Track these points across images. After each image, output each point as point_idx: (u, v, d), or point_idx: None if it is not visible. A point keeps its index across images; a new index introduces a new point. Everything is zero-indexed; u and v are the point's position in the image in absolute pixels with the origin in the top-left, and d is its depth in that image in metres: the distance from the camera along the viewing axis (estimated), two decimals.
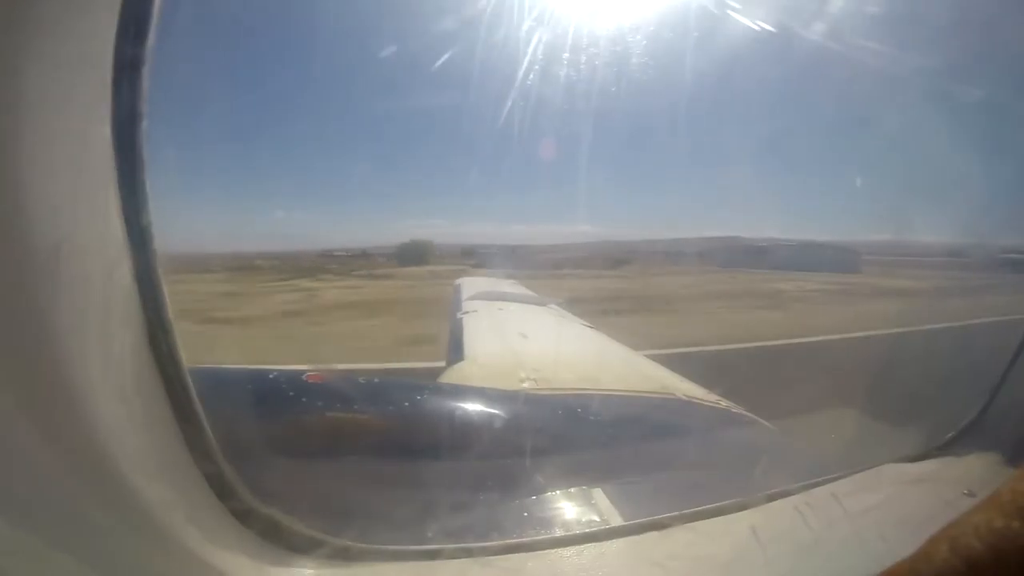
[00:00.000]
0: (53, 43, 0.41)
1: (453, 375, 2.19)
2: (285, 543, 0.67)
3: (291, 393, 1.27)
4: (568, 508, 1.06)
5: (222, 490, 0.61)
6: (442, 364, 2.57)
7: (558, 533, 0.94)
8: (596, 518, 1.00)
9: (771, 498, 0.87)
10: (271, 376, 1.37)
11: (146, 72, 0.48)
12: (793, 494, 0.88)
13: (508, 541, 0.79)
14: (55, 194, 0.43)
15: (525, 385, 1.82)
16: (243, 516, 0.64)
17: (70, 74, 0.44)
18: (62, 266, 0.43)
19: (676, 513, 0.82)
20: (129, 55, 0.47)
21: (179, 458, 0.57)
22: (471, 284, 4.96)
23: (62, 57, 0.42)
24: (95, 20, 0.44)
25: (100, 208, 0.47)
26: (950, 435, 1.05)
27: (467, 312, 3.37)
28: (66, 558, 0.47)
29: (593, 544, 0.77)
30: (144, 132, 0.49)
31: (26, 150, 0.40)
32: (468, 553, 0.75)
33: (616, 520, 0.97)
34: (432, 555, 0.74)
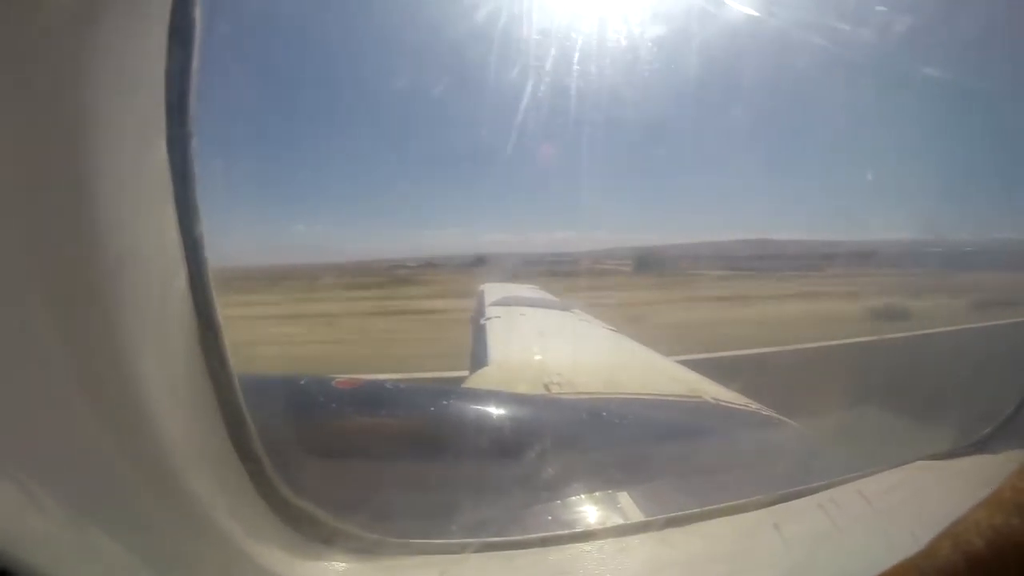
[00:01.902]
0: (112, 66, 0.45)
1: (478, 380, 2.21)
2: (320, 537, 0.70)
3: (323, 398, 1.32)
4: (593, 511, 1.06)
5: (262, 486, 0.65)
6: (464, 373, 2.59)
7: (582, 530, 0.95)
8: (620, 520, 1.01)
9: (794, 495, 0.87)
10: (304, 382, 1.42)
11: (194, 93, 0.52)
12: (818, 491, 0.87)
13: (531, 536, 0.80)
14: (120, 207, 0.47)
15: (549, 389, 1.83)
16: (281, 511, 0.67)
17: (128, 96, 0.48)
18: (126, 273, 0.47)
19: (698, 510, 0.82)
20: (178, 76, 0.51)
21: (224, 453, 0.60)
22: (494, 290, 4.99)
23: (120, 80, 0.47)
24: (147, 42, 0.49)
25: (158, 221, 0.52)
26: (986, 431, 1.02)
27: (490, 318, 3.40)
28: (110, 541, 0.50)
29: (615, 540, 0.78)
30: (194, 150, 0.53)
31: (94, 166, 0.45)
32: (491, 547, 0.77)
33: (639, 520, 0.97)
34: (457, 549, 0.77)
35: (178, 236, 0.54)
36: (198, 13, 0.51)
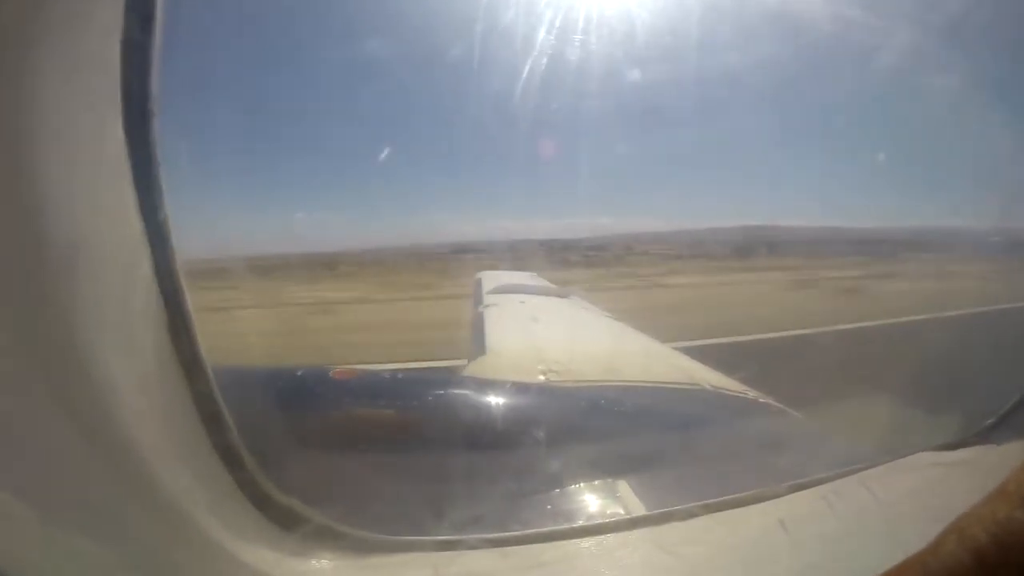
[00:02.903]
0: (63, 44, 0.42)
1: (475, 369, 2.20)
2: (305, 534, 0.68)
3: (318, 389, 1.30)
4: (592, 500, 1.05)
5: (243, 481, 0.63)
6: (463, 362, 2.58)
7: (580, 524, 0.93)
8: (620, 510, 0.99)
9: (797, 487, 0.85)
10: (299, 373, 1.40)
11: (155, 70, 0.49)
12: (821, 483, 0.85)
13: (528, 531, 0.78)
14: (73, 191, 0.44)
15: (548, 377, 1.82)
16: (264, 507, 0.65)
17: (82, 74, 0.45)
18: (81, 261, 0.44)
19: (698, 503, 0.80)
20: (136, 53, 0.48)
21: (201, 449, 0.58)
22: (492, 278, 4.97)
23: (72, 57, 0.43)
24: (101, 19, 0.45)
25: (117, 205, 0.49)
26: (990, 422, 1.00)
27: (488, 306, 3.38)
28: (90, 546, 0.48)
29: (614, 534, 0.76)
30: (156, 130, 0.50)
31: (43, 148, 0.41)
32: (487, 543, 0.75)
33: (640, 512, 0.95)
34: (450, 545, 0.75)
35: (140, 222, 0.51)
36: None
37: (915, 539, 0.41)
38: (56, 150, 0.42)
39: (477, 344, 2.63)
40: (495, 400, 1.41)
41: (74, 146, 0.44)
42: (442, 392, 1.45)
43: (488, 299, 3.63)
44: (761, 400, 1.79)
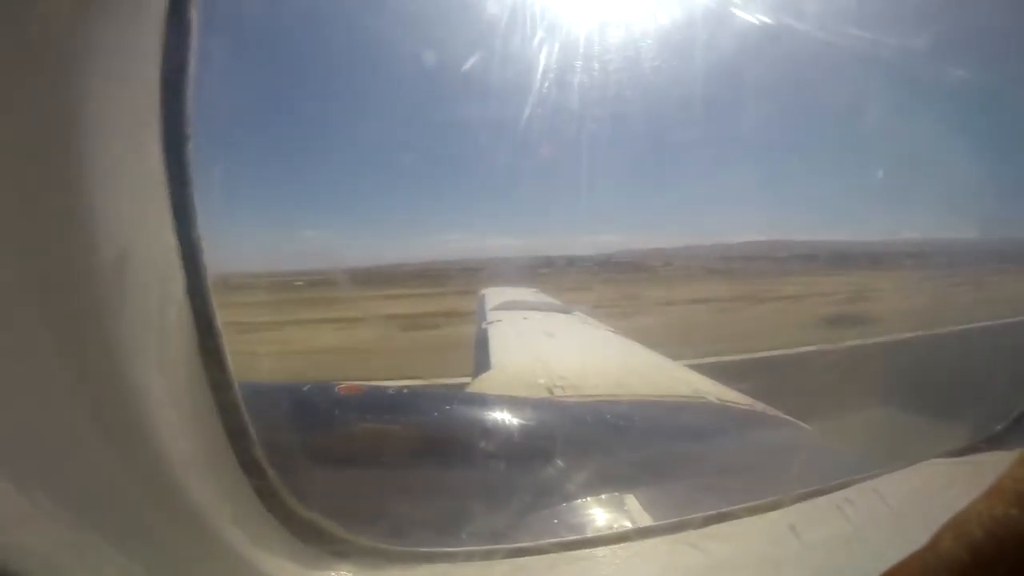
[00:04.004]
0: (106, 65, 0.44)
1: (481, 385, 2.20)
2: (325, 546, 0.68)
3: (326, 405, 1.31)
4: (600, 514, 1.05)
5: (266, 494, 0.64)
6: (467, 379, 2.58)
7: (593, 535, 0.93)
8: (628, 524, 0.99)
9: (809, 496, 0.85)
10: (307, 389, 1.41)
11: (190, 94, 0.52)
12: (832, 491, 0.86)
13: (541, 542, 0.79)
14: (116, 207, 0.46)
15: (554, 392, 1.82)
16: (286, 521, 0.66)
17: (124, 94, 0.47)
18: (122, 277, 0.46)
19: (712, 512, 0.81)
20: (173, 77, 0.50)
21: (227, 463, 0.59)
22: (495, 294, 4.98)
23: (114, 80, 0.46)
24: (142, 43, 0.48)
25: (155, 222, 0.51)
26: (999, 427, 1.01)
27: (492, 322, 3.39)
28: (117, 553, 0.49)
29: (627, 543, 0.77)
30: (191, 151, 0.52)
31: (89, 165, 0.44)
32: (499, 555, 0.75)
33: (650, 523, 0.96)
34: (464, 557, 0.75)
35: (175, 240, 0.53)
36: (195, 11, 0.50)
37: (923, 541, 0.42)
38: (99, 167, 0.45)
39: (482, 360, 2.64)
40: (502, 415, 1.42)
41: (117, 163, 0.47)
42: (450, 408, 1.46)
43: (492, 315, 3.64)
44: (769, 412, 1.78)
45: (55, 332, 0.44)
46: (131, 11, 0.46)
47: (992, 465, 0.92)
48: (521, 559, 0.75)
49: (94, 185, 0.44)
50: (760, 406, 1.84)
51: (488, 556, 0.75)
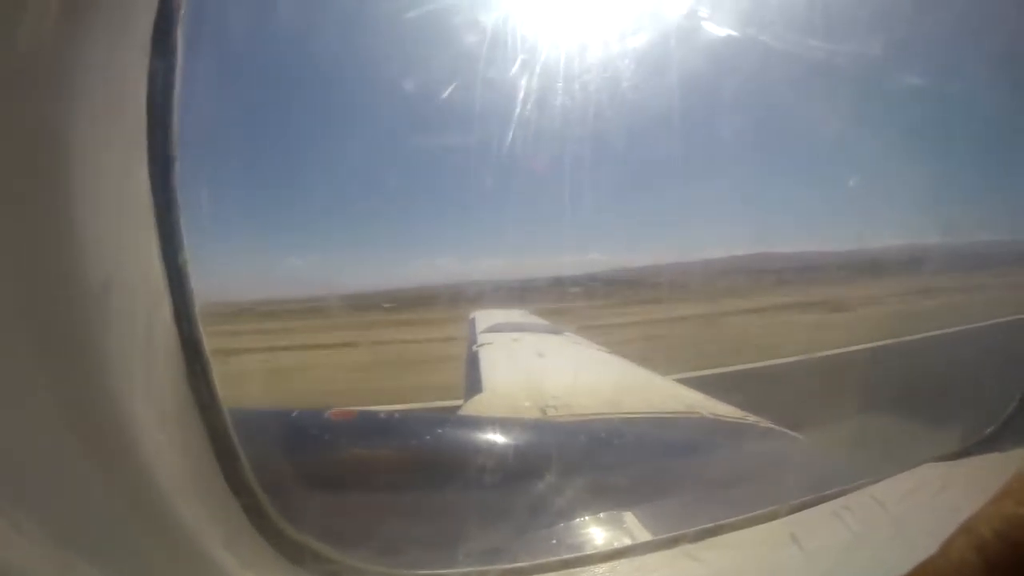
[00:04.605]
0: (93, 88, 0.44)
1: (473, 407, 2.18)
2: (317, 568, 0.67)
3: (316, 431, 1.29)
4: (598, 533, 1.04)
5: (258, 518, 0.62)
6: (459, 403, 2.56)
7: (592, 552, 0.92)
8: (628, 541, 0.98)
9: (807, 504, 0.85)
10: (296, 415, 1.39)
11: (175, 117, 0.52)
12: (830, 499, 0.86)
13: (539, 560, 0.77)
14: (101, 232, 0.45)
15: (545, 413, 1.81)
16: (278, 544, 0.64)
17: (111, 120, 0.47)
18: (109, 300, 0.46)
19: (711, 524, 0.80)
20: (159, 100, 0.50)
21: (217, 487, 0.58)
22: (485, 316, 4.98)
23: (101, 102, 0.46)
24: (127, 65, 0.48)
25: (142, 247, 0.51)
26: (990, 430, 1.02)
27: (483, 345, 3.38)
28: None
29: (627, 559, 0.76)
30: (177, 175, 0.52)
31: (75, 189, 0.43)
32: (496, 574, 0.74)
33: (649, 538, 0.94)
34: None
35: (161, 265, 0.52)
36: (180, 34, 0.51)
37: (927, 547, 0.42)
38: (84, 191, 0.44)
39: (473, 383, 2.62)
40: (492, 437, 1.41)
41: (101, 188, 0.46)
42: (442, 432, 1.44)
43: (482, 338, 3.63)
44: (762, 425, 1.79)
45: (40, 356, 0.43)
46: (117, 34, 0.46)
47: (986, 467, 0.93)
48: None
49: (80, 209, 0.44)
50: (752, 419, 1.85)
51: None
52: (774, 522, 0.81)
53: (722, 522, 0.81)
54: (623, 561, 0.76)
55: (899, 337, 7.91)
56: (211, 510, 0.56)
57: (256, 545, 0.62)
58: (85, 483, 0.46)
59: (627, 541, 0.97)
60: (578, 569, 0.74)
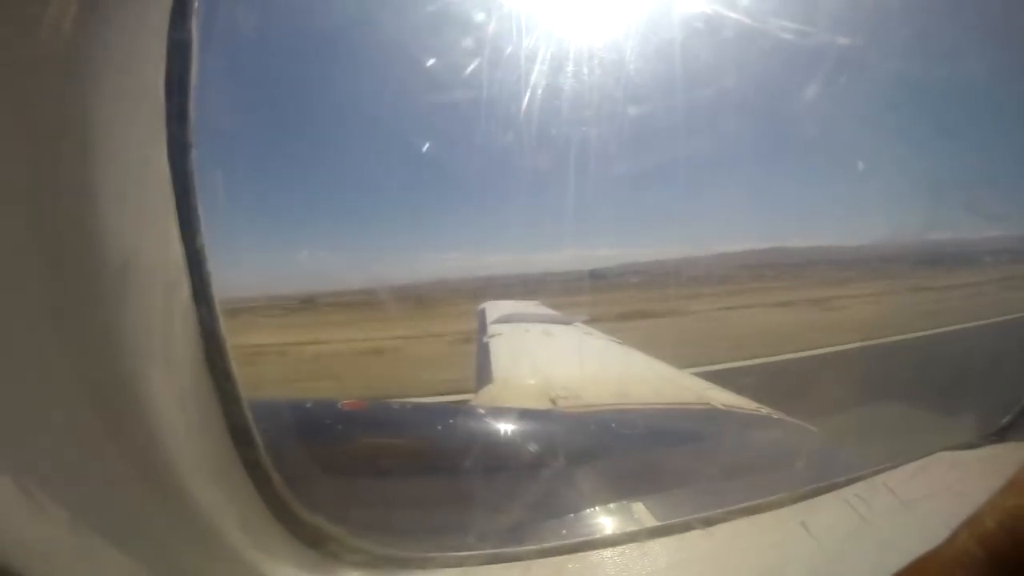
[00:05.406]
0: (114, 75, 0.46)
1: (483, 398, 2.20)
2: (333, 552, 0.68)
3: (329, 421, 1.31)
4: (608, 522, 1.04)
5: (272, 499, 0.63)
6: (469, 396, 2.58)
7: (602, 536, 0.92)
8: (637, 531, 0.99)
9: (818, 492, 0.85)
10: (309, 406, 1.41)
11: (192, 104, 0.53)
12: (841, 487, 0.86)
13: (549, 544, 0.78)
14: (123, 215, 0.47)
15: (556, 403, 1.81)
16: (291, 525, 0.65)
17: (130, 104, 0.48)
18: (129, 282, 0.47)
19: (721, 510, 0.80)
20: (177, 87, 0.51)
21: (232, 467, 0.59)
22: (495, 307, 4.99)
23: (122, 89, 0.47)
24: (146, 55, 0.49)
25: (161, 230, 0.52)
26: (1004, 420, 1.01)
27: (493, 335, 3.39)
28: (120, 555, 0.49)
29: (637, 543, 0.76)
30: (194, 160, 0.53)
31: (97, 174, 0.44)
32: (509, 558, 0.75)
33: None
34: (473, 561, 0.75)
35: (181, 247, 0.54)
36: (196, 23, 0.52)
37: (938, 536, 0.42)
38: (111, 173, 0.45)
39: (484, 373, 2.63)
40: (502, 427, 1.41)
41: (125, 171, 0.47)
42: (453, 422, 1.45)
43: (492, 329, 3.64)
44: (774, 416, 1.78)
45: (61, 333, 0.44)
46: (135, 22, 0.47)
47: (998, 457, 0.92)
48: (528, 561, 0.74)
49: (101, 194, 0.45)
50: (765, 410, 1.84)
51: (497, 559, 0.74)
52: (784, 508, 0.81)
53: (732, 508, 0.81)
54: (633, 546, 0.76)
55: (914, 333, 7.82)
56: (227, 492, 0.57)
57: (271, 527, 0.63)
58: (105, 464, 0.47)
59: (636, 531, 0.98)
60: (586, 553, 0.75)
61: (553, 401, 1.83)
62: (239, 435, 0.59)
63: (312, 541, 0.66)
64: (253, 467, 0.60)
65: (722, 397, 2.01)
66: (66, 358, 0.45)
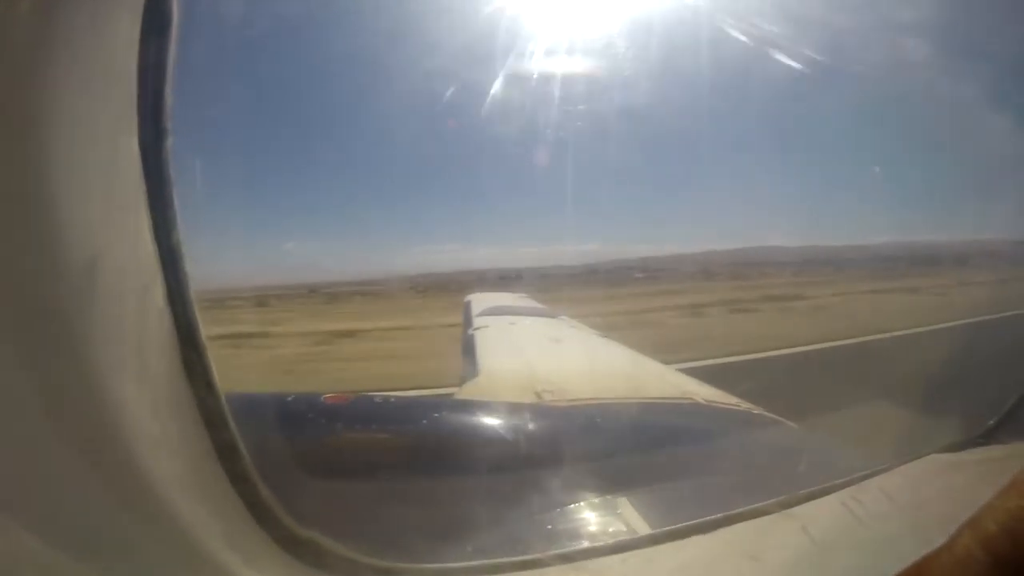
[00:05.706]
0: (78, 58, 0.41)
1: (469, 391, 2.18)
2: (320, 563, 0.65)
3: (311, 415, 1.28)
4: (594, 518, 1.04)
5: (259, 512, 0.60)
6: (454, 389, 2.56)
7: (586, 544, 0.92)
8: (623, 527, 0.99)
9: (814, 495, 0.85)
10: (291, 399, 1.37)
11: (169, 89, 0.48)
12: (837, 490, 0.86)
13: (546, 554, 0.77)
14: (88, 210, 0.42)
15: (541, 397, 1.81)
16: (280, 538, 0.62)
17: (97, 89, 0.44)
18: (97, 283, 0.43)
19: (719, 515, 0.80)
20: (152, 72, 0.47)
21: (215, 477, 0.55)
22: (481, 300, 4.97)
23: (88, 72, 0.42)
24: (117, 34, 0.45)
25: (131, 226, 0.47)
26: (992, 422, 1.03)
27: (479, 328, 3.37)
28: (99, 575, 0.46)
29: (637, 551, 0.75)
30: (170, 149, 0.49)
31: (59, 164, 0.40)
32: (504, 569, 0.73)
33: (643, 527, 0.95)
34: (464, 572, 0.73)
35: (154, 245, 0.49)
36: (175, 4, 0.47)
37: (935, 537, 0.42)
38: (72, 166, 0.41)
39: (469, 366, 2.61)
40: (488, 421, 1.40)
41: (90, 163, 0.43)
42: (438, 416, 1.43)
43: (478, 321, 3.62)
44: (755, 412, 1.80)
45: (18, 345, 0.40)
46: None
47: (989, 459, 0.93)
48: (527, 571, 0.72)
49: (64, 186, 0.41)
50: (746, 406, 1.86)
51: (491, 570, 0.72)
52: (783, 512, 0.81)
53: (729, 512, 0.80)
54: (634, 553, 0.75)
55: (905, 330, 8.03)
56: (210, 505, 0.54)
57: (257, 539, 0.60)
58: (73, 478, 0.44)
59: (622, 528, 0.98)
60: (584, 562, 0.74)
61: (538, 395, 1.83)
62: (221, 444, 0.55)
63: (301, 553, 0.63)
64: (237, 477, 0.57)
65: (704, 392, 2.03)
66: (25, 370, 0.40)
